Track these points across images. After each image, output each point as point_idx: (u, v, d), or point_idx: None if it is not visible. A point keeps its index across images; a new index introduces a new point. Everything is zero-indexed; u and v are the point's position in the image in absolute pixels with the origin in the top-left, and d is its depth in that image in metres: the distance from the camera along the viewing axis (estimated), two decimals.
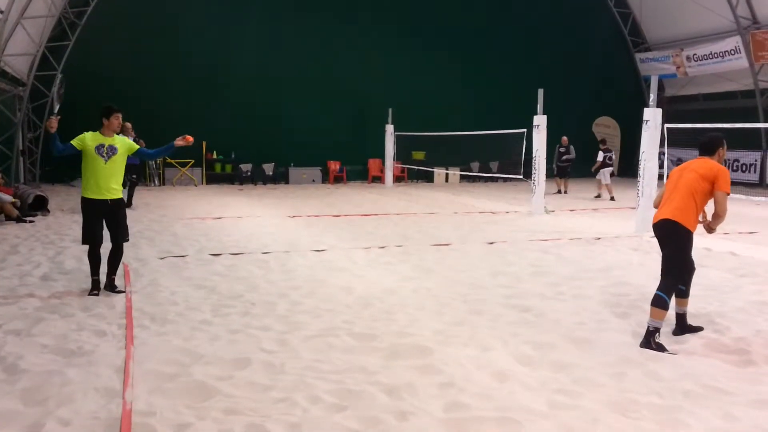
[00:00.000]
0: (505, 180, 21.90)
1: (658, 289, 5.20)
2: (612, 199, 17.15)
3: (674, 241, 5.26)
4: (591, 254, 9.30)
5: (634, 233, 11.19)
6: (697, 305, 6.12)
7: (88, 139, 6.49)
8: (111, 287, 6.71)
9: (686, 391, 4.23)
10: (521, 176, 16.13)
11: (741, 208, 14.61)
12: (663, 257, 5.36)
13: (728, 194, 5.18)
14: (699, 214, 5.28)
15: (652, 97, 11.19)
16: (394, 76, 22.81)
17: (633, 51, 25.91)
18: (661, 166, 11.92)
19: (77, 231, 10.88)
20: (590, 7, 25.23)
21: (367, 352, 4.93)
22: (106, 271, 6.77)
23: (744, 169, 21.76)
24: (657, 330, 5.09)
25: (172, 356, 4.76)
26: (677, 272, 5.27)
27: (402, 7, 22.97)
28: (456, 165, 23.22)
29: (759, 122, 20.48)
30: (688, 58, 23.27)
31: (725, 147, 5.51)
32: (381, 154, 22.33)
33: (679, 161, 23.41)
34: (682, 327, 5.46)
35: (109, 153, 6.51)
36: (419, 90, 22.97)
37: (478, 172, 22.66)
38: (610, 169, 17.59)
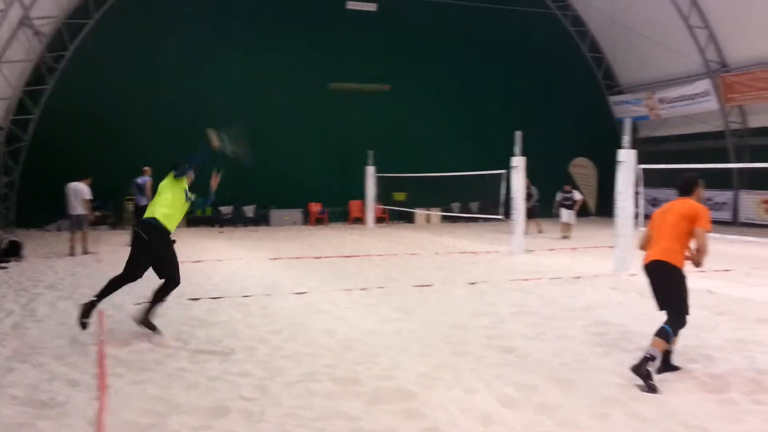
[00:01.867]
0: (486, 220, 22.06)
1: (665, 323, 5.31)
2: (565, 237, 17.41)
3: (671, 280, 5.42)
4: (571, 293, 9.33)
5: (613, 272, 11.26)
6: (677, 343, 6.12)
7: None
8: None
9: (670, 431, 4.21)
10: (501, 216, 16.24)
11: (715, 246, 14.75)
12: (662, 296, 5.50)
13: (708, 231, 5.37)
14: (684, 252, 5.45)
15: (626, 138, 11.41)
16: (376, 118, 23.09)
17: (607, 94, 26.53)
18: (637, 206, 12.09)
19: (52, 277, 10.81)
20: (565, 52, 25.87)
21: (350, 397, 4.85)
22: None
23: (717, 207, 22.11)
24: (653, 358, 5.13)
25: (148, 405, 4.64)
26: (682, 306, 5.38)
27: (384, 49, 23.32)
28: (437, 205, 23.36)
29: (730, 162, 20.94)
30: (660, 100, 23.85)
31: (702, 186, 5.73)
32: (362, 196, 22.38)
33: (654, 201, 23.88)
34: (666, 365, 5.46)
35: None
36: (400, 132, 23.24)
37: (459, 213, 22.77)
38: (571, 211, 17.79)
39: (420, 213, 23.40)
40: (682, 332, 5.52)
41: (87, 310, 6.49)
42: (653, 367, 5.11)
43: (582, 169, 26.02)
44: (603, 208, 24.13)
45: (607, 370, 5.53)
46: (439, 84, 24.01)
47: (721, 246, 14.96)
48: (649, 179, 14.40)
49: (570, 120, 25.24)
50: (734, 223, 21.16)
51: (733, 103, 21.41)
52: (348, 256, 13.68)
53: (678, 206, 5.54)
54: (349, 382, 5.20)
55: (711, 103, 21.87)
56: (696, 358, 5.89)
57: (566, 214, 17.84)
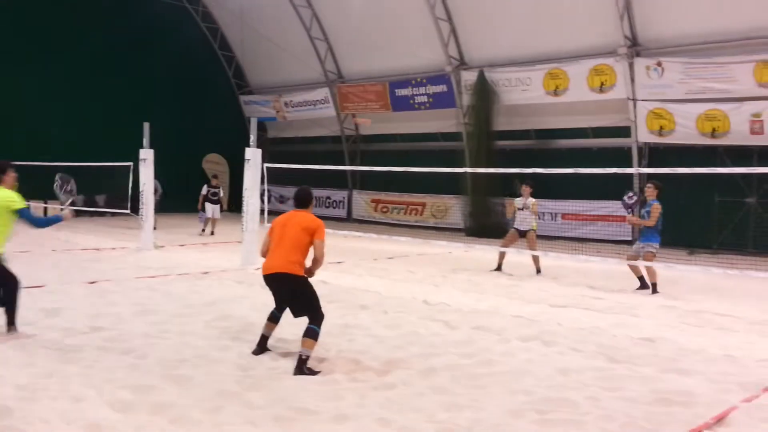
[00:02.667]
0: (113, 215, 20.82)
1: (311, 323, 5.69)
2: (212, 233, 17.59)
3: (299, 289, 5.86)
4: (198, 289, 9.42)
5: (240, 267, 11.69)
6: (288, 330, 6.62)
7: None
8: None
9: (277, 415, 4.55)
10: (128, 211, 15.54)
11: (331, 240, 16.39)
12: (296, 305, 5.93)
13: (323, 242, 5.92)
14: (305, 262, 5.92)
15: (252, 138, 11.96)
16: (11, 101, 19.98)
17: (238, 93, 27.32)
18: (263, 202, 12.75)
19: None
20: (198, 48, 25.92)
21: None
22: None
23: (334, 205, 24.57)
24: (308, 357, 5.58)
25: None
26: (317, 306, 5.83)
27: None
28: (57, 198, 21.18)
29: (345, 165, 23.43)
30: (286, 103, 25.48)
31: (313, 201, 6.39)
32: None
33: (281, 198, 25.39)
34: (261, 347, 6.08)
35: None
36: (14, 115, 20.49)
37: (83, 207, 21.04)
38: (217, 206, 18.03)
39: (36, 206, 20.96)
40: (296, 321, 6.02)
41: None
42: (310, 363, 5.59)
43: (215, 165, 26.34)
44: (233, 204, 24.79)
45: (226, 363, 5.74)
46: (65, 68, 21.85)
47: (335, 240, 16.66)
48: (276, 178, 15.31)
49: (203, 116, 25.32)
50: (348, 220, 23.73)
51: (348, 111, 23.99)
52: None
53: (299, 219, 5.94)
54: None
55: (330, 110, 24.17)
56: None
57: (211, 209, 17.82)
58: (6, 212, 6.26)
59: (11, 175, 6.45)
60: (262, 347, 6.06)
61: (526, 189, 12.21)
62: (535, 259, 12.13)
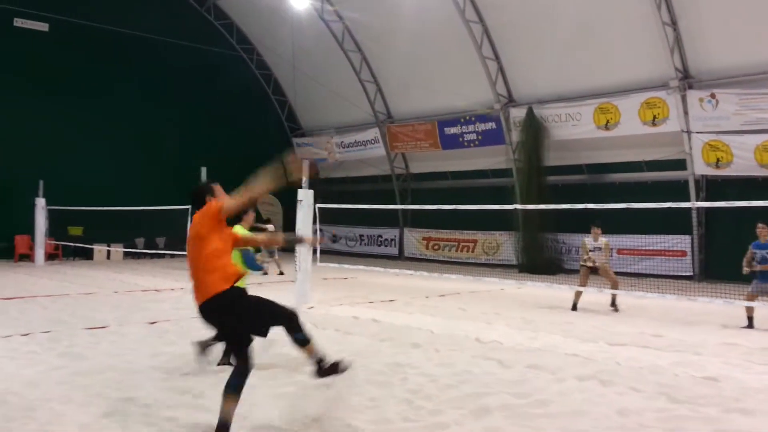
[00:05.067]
0: (172, 256, 21.41)
1: (291, 333, 4.88)
2: (281, 273, 17.83)
3: (233, 313, 4.65)
4: None
5: (295, 305, 11.81)
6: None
7: None
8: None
9: None
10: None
11: (382, 279, 16.52)
12: (239, 325, 4.73)
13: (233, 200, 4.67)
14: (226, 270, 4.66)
15: (305, 179, 12.20)
16: (46, 145, 21.03)
17: (291, 135, 27.99)
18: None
19: None
20: (252, 93, 26.84)
21: None
22: None
23: (386, 244, 24.68)
24: (322, 359, 5.04)
25: None
26: (283, 308, 4.88)
27: (58, 72, 21.50)
28: (119, 241, 22.03)
29: (396, 203, 23.60)
30: (337, 144, 25.94)
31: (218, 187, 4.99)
32: (30, 230, 20.10)
33: (334, 237, 25.66)
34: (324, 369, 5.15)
35: None
36: (77, 161, 21.54)
37: (143, 249, 21.76)
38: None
39: (99, 249, 21.80)
40: (353, 359, 6.03)
41: None
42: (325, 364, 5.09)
43: (270, 206, 26.90)
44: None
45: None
46: (122, 115, 22.92)
47: (387, 278, 16.74)
48: (328, 217, 15.59)
49: (257, 159, 25.79)
50: (400, 258, 23.78)
51: (397, 150, 24.27)
52: (9, 298, 12.14)
53: (191, 230, 4.77)
54: None
55: (380, 150, 24.49)
56: (359, 383, 6.48)
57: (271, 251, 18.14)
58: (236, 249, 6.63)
59: (251, 215, 7.38)
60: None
61: (596, 231, 12.11)
62: (614, 295, 11.93)
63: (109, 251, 22.23)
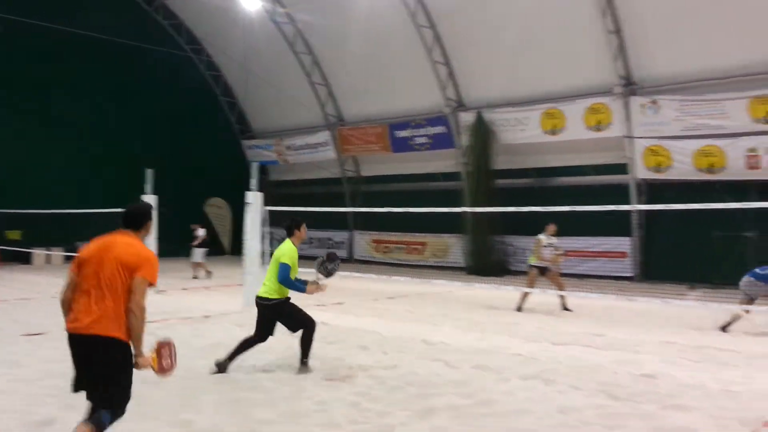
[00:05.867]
0: None
1: (103, 408, 4.04)
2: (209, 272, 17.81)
3: (111, 358, 4.02)
4: (199, 332, 9.44)
5: (241, 309, 11.70)
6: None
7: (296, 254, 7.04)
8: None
9: None
10: None
11: (331, 281, 16.43)
12: (97, 380, 4.05)
13: (147, 283, 4.13)
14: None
15: (254, 181, 12.11)
16: None
17: (240, 138, 27.69)
18: (264, 246, 12.83)
19: None
20: (201, 95, 26.47)
21: None
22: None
23: (337, 246, 24.63)
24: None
25: None
26: (124, 391, 4.16)
27: (6, 74, 20.88)
28: (60, 245, 21.42)
29: (346, 206, 23.58)
30: (287, 147, 25.79)
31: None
32: None
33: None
34: None
35: None
36: (17, 164, 20.84)
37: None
38: (200, 249, 18.16)
39: (38, 253, 21.13)
40: (290, 361, 6.00)
41: None
42: None
43: (218, 209, 26.55)
44: (236, 247, 24.90)
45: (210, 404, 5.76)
46: (65, 116, 22.30)
47: (336, 281, 16.65)
48: (278, 220, 15.37)
49: (206, 161, 25.62)
50: (349, 260, 23.77)
51: (348, 153, 24.27)
52: None
53: (119, 252, 4.15)
54: None
55: (330, 153, 24.46)
56: (307, 386, 6.46)
57: (194, 253, 18.04)
58: (276, 262, 6.99)
59: (303, 230, 7.23)
60: None
61: (551, 228, 12.36)
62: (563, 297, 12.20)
63: (48, 255, 21.57)
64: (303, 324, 7.14)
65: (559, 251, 12.40)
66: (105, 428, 4.01)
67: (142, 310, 4.04)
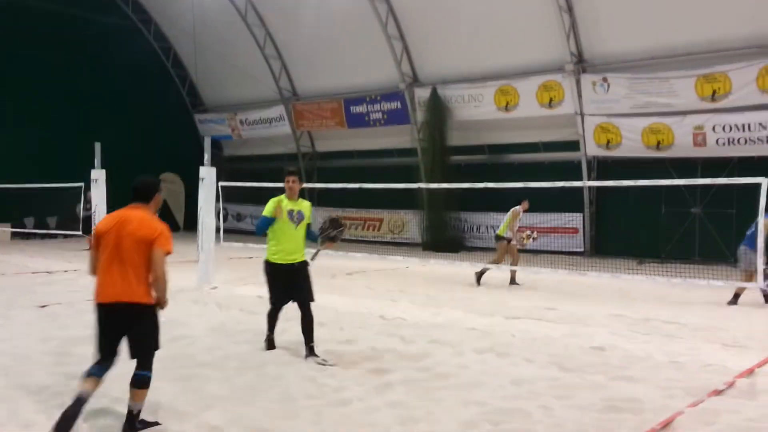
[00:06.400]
0: (65, 236, 20.38)
1: (142, 369, 4.61)
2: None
3: (147, 322, 4.63)
4: None
5: (196, 286, 11.58)
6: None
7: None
8: (312, 353, 6.63)
9: None
10: (80, 232, 15.27)
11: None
12: (138, 343, 4.62)
13: (165, 253, 4.54)
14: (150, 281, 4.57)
15: (207, 156, 11.91)
16: None
17: (192, 112, 27.11)
18: (219, 220, 12.70)
19: None
20: (151, 67, 25.70)
21: None
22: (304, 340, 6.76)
23: None
24: (141, 411, 4.62)
25: None
26: (155, 350, 4.76)
27: None
28: (6, 221, 20.76)
29: (305, 182, 23.36)
30: (241, 122, 25.40)
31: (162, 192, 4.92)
32: None
33: (238, 215, 25.21)
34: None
35: (298, 219, 6.97)
36: None
37: (33, 229, 20.60)
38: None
39: None
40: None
41: None
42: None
43: (171, 184, 25.99)
44: (190, 223, 24.53)
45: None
46: (9, 88, 21.46)
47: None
48: (233, 196, 15.26)
49: (158, 135, 25.06)
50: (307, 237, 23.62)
51: (303, 128, 24.05)
52: None
53: (133, 227, 4.55)
54: None
55: (285, 128, 24.19)
56: (264, 362, 6.44)
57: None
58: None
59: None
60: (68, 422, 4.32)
61: (525, 204, 12.63)
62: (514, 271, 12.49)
63: None
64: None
65: (533, 234, 12.65)
66: (150, 381, 4.63)
67: (165, 276, 4.51)
